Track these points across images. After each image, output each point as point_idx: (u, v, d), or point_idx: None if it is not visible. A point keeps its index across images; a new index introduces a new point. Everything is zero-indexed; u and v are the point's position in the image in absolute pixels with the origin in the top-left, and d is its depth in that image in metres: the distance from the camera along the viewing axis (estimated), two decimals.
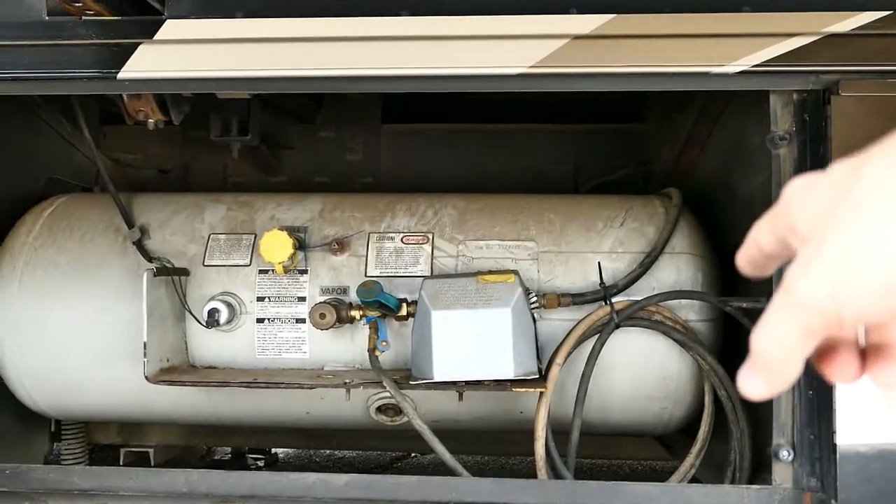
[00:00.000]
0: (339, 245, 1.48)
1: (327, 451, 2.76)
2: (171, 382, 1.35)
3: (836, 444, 1.15)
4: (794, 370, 0.37)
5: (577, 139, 2.07)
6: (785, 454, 1.22)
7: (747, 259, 0.43)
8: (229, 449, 2.41)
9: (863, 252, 0.34)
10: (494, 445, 1.95)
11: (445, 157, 2.10)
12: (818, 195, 0.37)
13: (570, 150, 2.07)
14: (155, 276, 1.39)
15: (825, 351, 0.39)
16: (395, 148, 2.10)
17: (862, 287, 0.34)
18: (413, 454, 2.59)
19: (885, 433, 1.13)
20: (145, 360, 1.35)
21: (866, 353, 0.40)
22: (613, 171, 2.00)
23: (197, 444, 2.07)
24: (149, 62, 1.25)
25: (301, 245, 1.48)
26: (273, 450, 2.60)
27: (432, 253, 1.48)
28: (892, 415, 1.13)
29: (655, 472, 2.18)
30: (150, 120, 1.46)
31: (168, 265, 1.46)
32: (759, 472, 1.34)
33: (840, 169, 0.37)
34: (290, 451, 2.78)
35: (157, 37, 1.24)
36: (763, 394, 0.38)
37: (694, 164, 1.79)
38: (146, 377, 1.34)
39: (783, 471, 1.23)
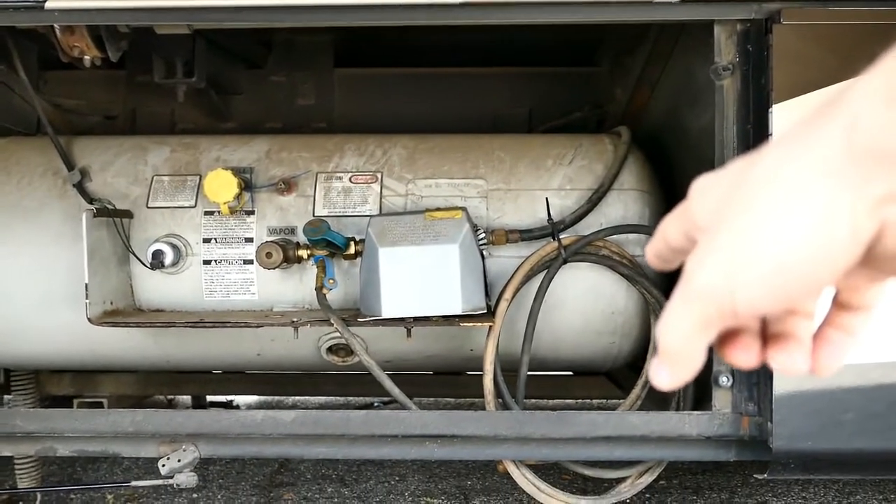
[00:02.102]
0: (287, 185, 1.46)
1: (290, 401, 2.77)
2: (115, 324, 1.34)
3: (772, 370, 1.18)
4: (697, 360, 0.38)
5: (533, 82, 2.06)
6: (724, 380, 1.25)
7: (655, 252, 0.43)
8: (190, 401, 2.41)
9: (754, 241, 0.34)
10: (448, 388, 1.97)
11: (400, 102, 2.07)
12: (717, 189, 0.37)
13: (525, 93, 2.05)
14: (95, 216, 1.36)
15: (727, 335, 0.40)
16: (349, 93, 2.06)
17: (754, 276, 0.34)
18: (376, 403, 2.61)
19: None
20: (87, 301, 1.32)
21: (767, 338, 0.40)
22: (569, 114, 2.00)
23: (152, 394, 2.06)
24: None
25: (247, 186, 1.45)
26: (235, 402, 2.61)
27: (381, 192, 1.47)
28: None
29: (608, 410, 2.23)
30: (85, 57, 1.40)
31: (109, 206, 1.43)
32: (703, 400, 1.37)
33: (739, 163, 0.37)
34: (251, 402, 2.79)
35: None
36: (669, 384, 0.39)
37: (646, 105, 1.79)
38: (89, 319, 1.32)
39: (723, 396, 1.26)
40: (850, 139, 0.32)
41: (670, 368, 0.38)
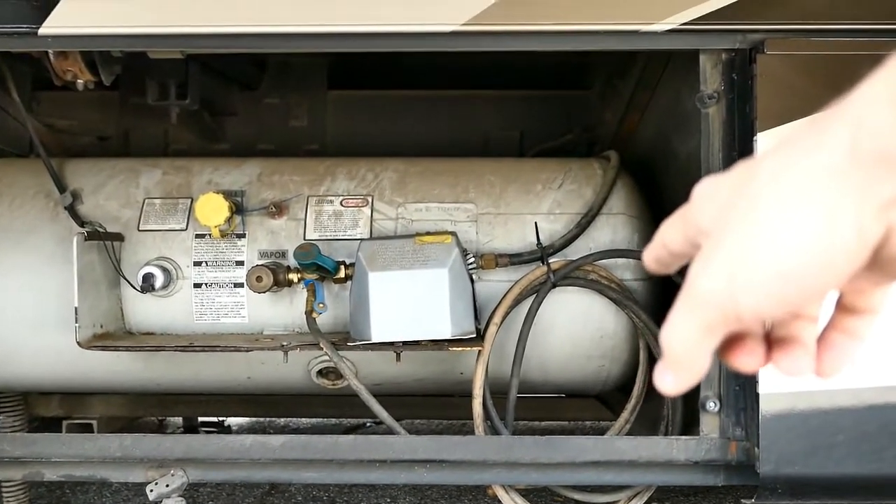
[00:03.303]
0: (278, 208, 1.47)
1: (282, 422, 2.76)
2: (104, 347, 1.34)
3: (758, 394, 1.19)
4: (702, 365, 0.38)
5: (524, 105, 2.08)
6: (712, 405, 1.25)
7: (654, 257, 0.43)
8: (181, 421, 2.40)
9: (758, 245, 0.34)
10: (439, 410, 1.97)
11: (393, 124, 2.08)
12: (721, 193, 0.37)
13: (516, 116, 2.07)
14: (86, 240, 1.36)
15: (731, 340, 0.40)
16: (342, 115, 2.08)
17: (758, 281, 0.34)
18: (367, 423, 2.60)
19: (803, 380, 1.17)
20: (77, 325, 1.32)
21: (771, 343, 0.40)
22: (559, 137, 2.01)
23: (142, 416, 2.05)
24: (72, 17, 1.22)
25: (239, 209, 1.46)
26: (227, 422, 2.59)
27: (372, 216, 1.48)
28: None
29: (599, 432, 2.22)
30: (78, 80, 1.42)
31: (100, 230, 1.43)
32: (691, 425, 1.38)
33: (741, 167, 0.37)
34: (243, 422, 2.78)
35: None
36: (674, 389, 0.39)
37: (635, 129, 1.81)
38: (78, 342, 1.32)
39: (710, 421, 1.26)
40: (854, 142, 0.32)
41: (675, 373, 0.38)
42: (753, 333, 0.40)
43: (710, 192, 0.38)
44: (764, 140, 1.19)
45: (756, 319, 0.36)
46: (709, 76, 1.27)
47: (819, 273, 0.33)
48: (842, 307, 0.40)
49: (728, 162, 1.26)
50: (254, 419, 2.78)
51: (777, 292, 0.34)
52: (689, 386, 0.38)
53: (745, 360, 0.40)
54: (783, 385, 1.18)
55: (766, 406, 1.19)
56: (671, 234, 0.41)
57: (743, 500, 1.25)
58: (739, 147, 1.25)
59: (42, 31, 1.21)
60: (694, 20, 1.20)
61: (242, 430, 2.66)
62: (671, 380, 0.39)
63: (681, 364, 0.38)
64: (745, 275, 0.34)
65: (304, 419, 2.65)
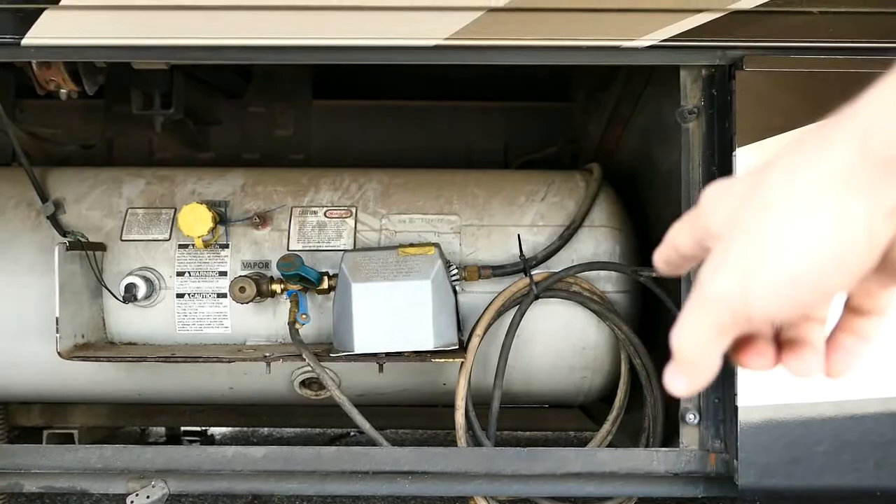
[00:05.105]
0: (261, 219, 1.47)
1: (265, 431, 2.74)
2: (85, 358, 1.33)
3: (737, 406, 1.20)
4: (712, 366, 0.38)
5: (508, 117, 2.09)
6: (691, 417, 1.26)
7: (664, 259, 0.43)
8: (164, 431, 2.38)
9: (768, 248, 0.34)
10: (423, 420, 1.97)
11: (377, 134, 2.09)
12: (731, 196, 0.38)
13: (501, 127, 2.08)
14: (68, 250, 1.36)
15: (741, 341, 0.40)
16: (327, 124, 2.08)
17: (768, 283, 0.34)
18: (351, 433, 2.60)
19: (781, 393, 1.18)
20: (58, 335, 1.31)
21: (781, 344, 0.41)
22: (543, 149, 2.03)
23: (125, 426, 2.04)
24: (55, 28, 1.21)
25: (222, 219, 1.46)
26: (210, 432, 2.58)
27: (355, 227, 1.48)
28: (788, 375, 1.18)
29: (582, 443, 2.23)
30: (62, 90, 1.41)
31: (83, 239, 1.43)
32: (672, 436, 1.39)
33: (753, 170, 0.38)
34: (226, 432, 2.76)
35: (63, 1, 1.21)
36: (685, 390, 0.39)
37: (618, 142, 1.83)
38: (59, 353, 1.31)
39: (690, 433, 1.27)
40: (864, 148, 0.33)
41: (687, 375, 0.39)
42: (763, 335, 0.41)
43: (721, 196, 0.39)
44: (743, 155, 1.21)
45: (767, 321, 0.36)
46: (689, 91, 1.28)
47: (830, 275, 0.34)
48: (850, 309, 0.41)
49: (708, 176, 1.27)
50: (237, 429, 2.76)
51: (788, 294, 0.35)
52: (700, 387, 0.39)
53: (756, 360, 0.41)
54: (762, 398, 1.19)
55: (745, 418, 1.20)
56: (681, 237, 0.41)
57: None
58: (719, 162, 1.27)
59: (25, 41, 1.21)
60: (674, 37, 1.22)
61: (226, 440, 2.64)
62: (683, 382, 0.39)
63: (692, 365, 0.38)
64: (756, 277, 0.35)
65: (287, 429, 2.64)
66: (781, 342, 0.41)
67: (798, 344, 0.41)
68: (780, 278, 0.34)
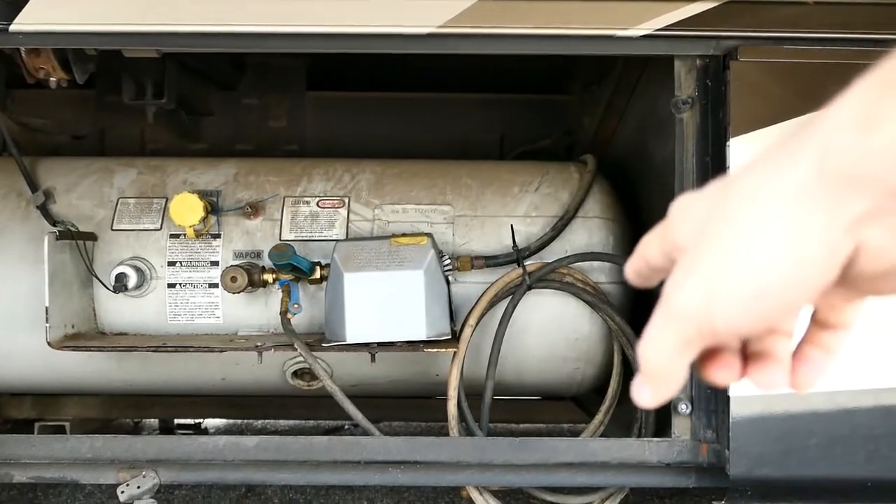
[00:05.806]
0: (253, 209, 1.46)
1: (259, 424, 2.74)
2: (75, 348, 1.32)
3: (729, 397, 1.20)
4: (678, 379, 0.38)
5: (504, 109, 2.09)
6: (683, 408, 1.26)
7: (635, 270, 0.43)
8: (157, 424, 2.37)
9: (731, 262, 0.35)
10: (416, 412, 1.97)
11: (372, 126, 2.08)
12: (696, 210, 0.38)
13: (497, 119, 2.08)
14: (57, 239, 1.35)
15: (708, 353, 0.40)
16: (321, 115, 2.07)
17: (732, 297, 0.35)
18: (346, 425, 2.59)
19: None
20: (47, 325, 1.31)
21: (747, 356, 0.41)
22: (539, 140, 2.02)
23: (117, 418, 2.03)
24: (45, 14, 1.20)
25: (214, 209, 1.45)
26: (203, 425, 2.57)
27: (348, 217, 1.48)
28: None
29: (575, 435, 2.23)
30: (51, 78, 1.40)
31: (73, 229, 1.42)
32: (664, 427, 1.39)
33: (717, 184, 0.38)
34: (220, 425, 2.75)
35: None
36: (651, 402, 0.39)
37: (613, 133, 1.82)
38: (48, 343, 1.30)
39: (682, 423, 1.27)
40: (822, 164, 0.33)
41: (652, 387, 0.39)
42: (729, 347, 0.41)
43: (688, 208, 0.39)
44: (737, 145, 1.21)
45: (732, 334, 0.37)
46: (683, 82, 1.28)
47: (792, 289, 0.34)
48: (816, 322, 0.41)
49: (702, 167, 1.27)
50: (231, 421, 2.76)
51: (752, 308, 0.35)
52: (665, 399, 0.39)
53: (722, 373, 0.41)
54: (754, 388, 1.19)
55: (737, 409, 1.20)
56: (650, 249, 0.41)
57: (714, 502, 1.26)
58: (713, 152, 1.26)
59: (13, 27, 1.20)
60: (668, 26, 1.21)
61: (219, 432, 2.63)
62: (648, 393, 0.39)
63: (658, 378, 0.39)
64: (720, 291, 0.35)
65: (281, 421, 2.63)
66: (748, 354, 0.41)
67: (764, 357, 0.41)
68: (744, 292, 0.35)
